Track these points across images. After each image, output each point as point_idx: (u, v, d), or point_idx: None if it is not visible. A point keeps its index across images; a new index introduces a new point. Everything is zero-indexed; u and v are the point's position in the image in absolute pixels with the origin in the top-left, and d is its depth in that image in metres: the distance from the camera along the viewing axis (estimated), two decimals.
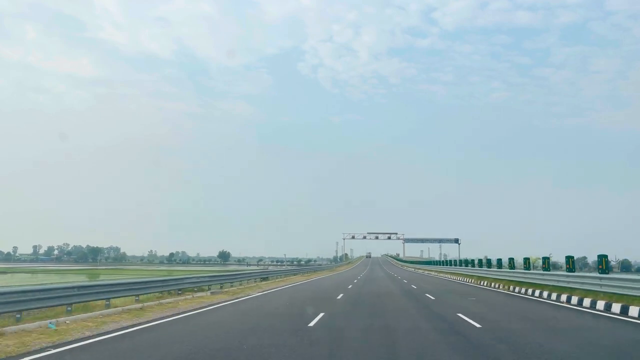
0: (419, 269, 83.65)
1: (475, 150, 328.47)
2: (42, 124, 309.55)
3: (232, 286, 29.15)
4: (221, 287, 27.58)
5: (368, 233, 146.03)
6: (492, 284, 29.94)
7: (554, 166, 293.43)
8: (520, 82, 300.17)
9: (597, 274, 17.32)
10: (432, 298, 21.08)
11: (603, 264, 17.35)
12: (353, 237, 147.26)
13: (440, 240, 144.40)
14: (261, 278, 37.26)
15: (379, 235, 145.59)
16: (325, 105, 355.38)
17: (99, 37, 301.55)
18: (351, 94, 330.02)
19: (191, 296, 21.88)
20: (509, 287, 26.22)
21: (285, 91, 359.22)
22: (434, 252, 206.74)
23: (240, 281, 31.26)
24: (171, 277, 22.05)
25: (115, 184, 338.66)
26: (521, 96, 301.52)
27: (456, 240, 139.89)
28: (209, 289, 25.69)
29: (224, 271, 48.23)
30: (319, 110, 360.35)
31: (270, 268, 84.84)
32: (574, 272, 20.24)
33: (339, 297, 21.27)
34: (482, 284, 32.75)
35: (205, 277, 25.43)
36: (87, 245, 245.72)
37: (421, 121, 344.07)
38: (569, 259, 19.55)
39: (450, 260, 65.12)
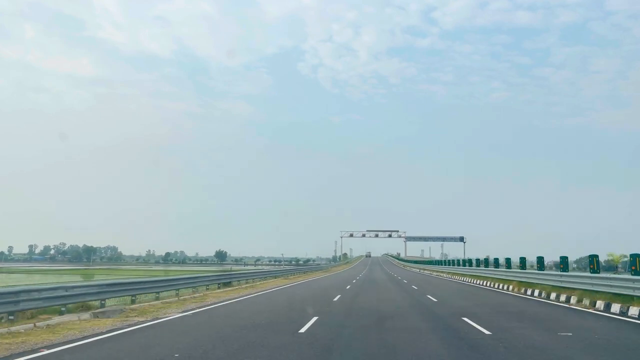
0: (424, 269, 73.22)
1: (475, 149, 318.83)
2: (42, 124, 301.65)
3: (157, 299, 18.85)
4: (133, 301, 17.24)
5: (367, 231, 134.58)
6: (552, 295, 19.50)
7: (553, 166, 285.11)
8: (520, 82, 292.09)
9: None
10: (486, 332, 10.60)
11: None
12: (351, 235, 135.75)
13: (444, 239, 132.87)
14: (220, 283, 26.94)
15: (379, 233, 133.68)
16: (325, 105, 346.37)
17: (99, 37, 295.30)
18: (351, 94, 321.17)
19: (33, 325, 11.56)
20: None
21: (285, 91, 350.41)
22: (435, 251, 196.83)
23: (178, 289, 20.93)
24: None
25: (115, 184, 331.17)
26: (521, 96, 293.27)
27: (461, 239, 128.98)
28: (102, 305, 15.32)
29: (185, 272, 37.64)
30: (319, 110, 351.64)
31: (235, 268, 74.61)
32: None
33: (303, 330, 10.87)
34: (528, 293, 22.29)
35: (93, 286, 15.02)
36: (84, 245, 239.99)
37: (421, 121, 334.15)
38: None
39: (464, 260, 54.57)
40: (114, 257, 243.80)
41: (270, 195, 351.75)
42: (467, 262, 48.84)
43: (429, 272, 65.44)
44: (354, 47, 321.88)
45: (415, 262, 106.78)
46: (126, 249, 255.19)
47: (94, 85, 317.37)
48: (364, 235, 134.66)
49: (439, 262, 77.40)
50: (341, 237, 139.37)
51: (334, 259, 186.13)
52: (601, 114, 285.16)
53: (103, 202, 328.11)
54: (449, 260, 67.88)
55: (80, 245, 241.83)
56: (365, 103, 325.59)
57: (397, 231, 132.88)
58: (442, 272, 56.52)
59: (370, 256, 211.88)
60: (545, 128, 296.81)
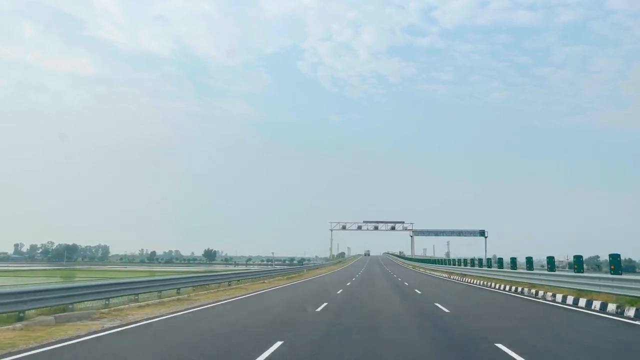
0: (464, 275, 40.47)
1: (475, 148, 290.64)
2: (42, 124, 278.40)
3: None
4: None
5: (364, 222, 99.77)
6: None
7: (553, 166, 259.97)
8: (520, 82, 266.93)
9: None
10: None
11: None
12: (344, 228, 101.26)
13: (460, 232, 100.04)
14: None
15: (379, 225, 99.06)
16: (325, 104, 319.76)
17: (99, 36, 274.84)
18: (351, 93, 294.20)
19: None
20: None
21: (284, 90, 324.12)
22: (439, 250, 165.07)
23: None
24: None
25: (115, 184, 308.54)
26: (521, 96, 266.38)
27: (482, 233, 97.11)
28: None
29: None
30: (319, 109, 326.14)
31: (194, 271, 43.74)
32: None
33: None
34: None
35: None
36: (73, 243, 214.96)
37: (421, 121, 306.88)
38: None
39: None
40: (96, 257, 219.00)
41: (270, 195, 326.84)
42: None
43: (479, 281, 33.66)
44: (354, 47, 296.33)
45: (436, 261, 67.95)
46: (121, 249, 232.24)
47: (93, 85, 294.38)
48: (359, 228, 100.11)
49: (497, 263, 41.81)
50: (331, 230, 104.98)
51: (333, 257, 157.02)
52: (601, 114, 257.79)
53: (102, 201, 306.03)
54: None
55: (70, 244, 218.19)
56: (365, 102, 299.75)
57: (403, 222, 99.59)
58: (527, 285, 24.54)
59: (369, 255, 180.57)
60: (545, 128, 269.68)
